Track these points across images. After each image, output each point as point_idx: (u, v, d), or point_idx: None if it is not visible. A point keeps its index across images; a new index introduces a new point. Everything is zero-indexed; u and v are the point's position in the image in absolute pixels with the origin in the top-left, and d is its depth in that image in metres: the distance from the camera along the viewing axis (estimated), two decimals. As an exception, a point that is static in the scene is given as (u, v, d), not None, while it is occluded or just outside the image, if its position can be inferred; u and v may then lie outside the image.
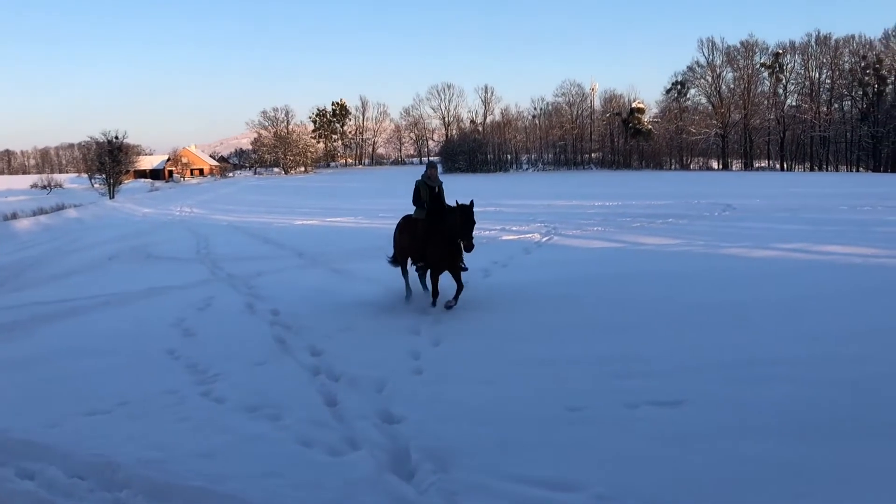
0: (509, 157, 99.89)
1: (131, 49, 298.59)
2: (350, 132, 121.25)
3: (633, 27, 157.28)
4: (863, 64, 76.81)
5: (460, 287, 9.04)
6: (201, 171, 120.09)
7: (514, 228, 19.17)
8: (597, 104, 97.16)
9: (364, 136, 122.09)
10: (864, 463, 4.11)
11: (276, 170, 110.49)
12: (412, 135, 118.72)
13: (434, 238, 8.86)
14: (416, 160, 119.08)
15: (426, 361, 6.68)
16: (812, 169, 79.61)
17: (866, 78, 76.38)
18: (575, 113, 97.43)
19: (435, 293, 9.06)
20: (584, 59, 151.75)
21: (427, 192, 9.31)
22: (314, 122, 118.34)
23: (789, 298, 8.75)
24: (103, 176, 71.42)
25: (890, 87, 75.55)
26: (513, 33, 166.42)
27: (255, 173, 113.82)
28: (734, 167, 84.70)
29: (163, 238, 22.92)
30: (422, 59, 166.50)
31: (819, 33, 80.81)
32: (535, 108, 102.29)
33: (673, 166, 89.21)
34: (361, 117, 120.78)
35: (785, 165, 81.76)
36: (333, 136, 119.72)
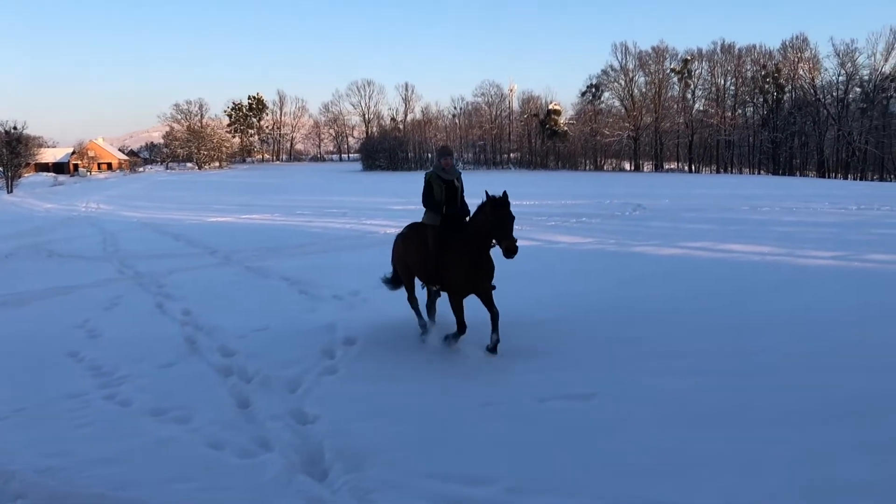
0: (429, 155, 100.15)
1: (31, 33, 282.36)
2: (267, 127, 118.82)
3: (550, 30, 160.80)
4: (763, 72, 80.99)
5: (495, 314, 6.69)
6: (109, 166, 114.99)
7: (432, 227, 19.23)
8: (515, 105, 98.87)
9: (282, 132, 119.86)
10: (764, 449, 4.34)
11: (189, 165, 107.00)
12: (331, 131, 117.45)
13: (455, 250, 6.71)
14: (335, 156, 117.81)
15: (341, 360, 6.63)
16: (718, 171, 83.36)
17: (766, 86, 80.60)
18: (494, 113, 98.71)
19: (462, 326, 6.77)
20: (502, 60, 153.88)
21: (442, 189, 7.02)
22: (229, 116, 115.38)
23: (693, 295, 9.15)
24: (0, 169, 67.41)
25: (787, 95, 79.95)
26: (433, 31, 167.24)
27: (166, 168, 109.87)
28: (645, 168, 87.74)
29: (66, 235, 21.86)
30: (341, 55, 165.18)
31: (724, 42, 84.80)
32: (455, 108, 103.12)
33: (588, 167, 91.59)
34: (279, 112, 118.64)
35: (693, 167, 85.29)
36: (250, 131, 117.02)
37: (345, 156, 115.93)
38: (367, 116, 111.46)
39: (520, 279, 10.65)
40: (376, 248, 14.93)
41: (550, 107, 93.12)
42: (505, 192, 6.58)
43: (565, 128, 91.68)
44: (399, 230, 8.02)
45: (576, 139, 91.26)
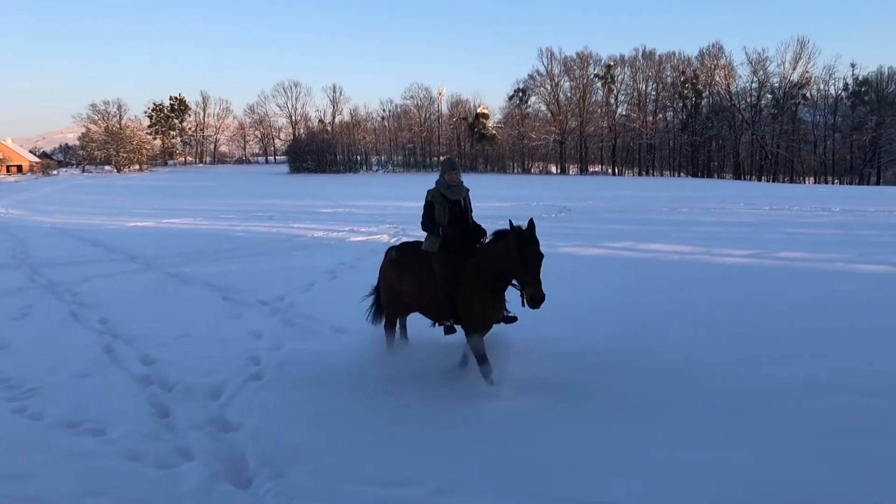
0: (359, 157, 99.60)
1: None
2: (190, 129, 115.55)
3: (478, 34, 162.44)
4: (682, 79, 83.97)
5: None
6: (19, 168, 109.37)
7: (362, 230, 19.14)
8: (444, 108, 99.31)
9: (205, 134, 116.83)
10: (688, 444, 4.51)
11: (107, 168, 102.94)
12: (257, 133, 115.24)
13: (472, 279, 5.74)
14: (261, 159, 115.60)
15: (266, 367, 6.51)
16: (640, 174, 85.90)
17: (685, 91, 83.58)
18: (423, 116, 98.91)
19: (487, 360, 5.71)
20: (431, 63, 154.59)
21: (446, 210, 6.04)
22: (150, 117, 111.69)
23: (617, 293, 9.41)
24: None
25: (705, 100, 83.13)
26: (361, 33, 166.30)
27: (83, 171, 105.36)
28: (571, 171, 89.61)
29: (-29, 241, 20.66)
30: (267, 56, 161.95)
31: (645, 48, 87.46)
32: (383, 110, 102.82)
33: (516, 170, 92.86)
34: (202, 113, 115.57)
35: (616, 170, 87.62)
36: (172, 133, 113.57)
37: (271, 158, 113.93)
38: (293, 118, 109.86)
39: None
40: (303, 252, 14.76)
41: (479, 110, 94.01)
42: (532, 223, 5.48)
43: (494, 131, 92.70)
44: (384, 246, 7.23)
45: (504, 142, 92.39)
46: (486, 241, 5.88)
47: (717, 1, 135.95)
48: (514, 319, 6.05)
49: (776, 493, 3.83)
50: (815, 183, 71.59)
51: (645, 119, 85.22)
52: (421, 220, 6.19)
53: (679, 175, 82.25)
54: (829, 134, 76.70)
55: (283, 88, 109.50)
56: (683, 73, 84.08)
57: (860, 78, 74.95)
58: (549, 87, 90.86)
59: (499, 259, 5.53)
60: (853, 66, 77.14)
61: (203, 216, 25.86)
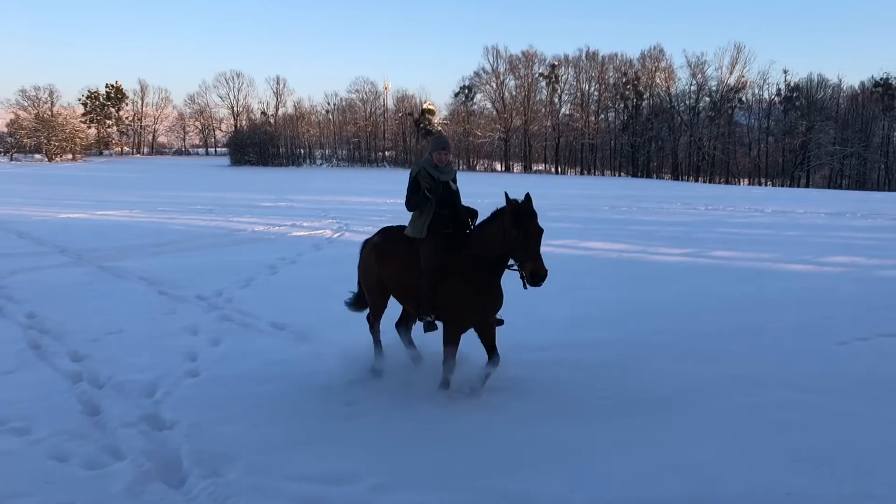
0: (302, 151, 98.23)
1: None
2: (127, 118, 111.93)
3: (424, 29, 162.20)
4: (624, 80, 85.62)
5: (495, 359, 5.51)
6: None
7: (305, 224, 18.91)
8: (390, 103, 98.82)
9: (143, 123, 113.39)
10: (626, 438, 4.62)
11: (37, 156, 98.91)
12: (198, 124, 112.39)
13: (458, 271, 5.29)
14: (201, 150, 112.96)
15: (204, 362, 6.38)
16: (582, 173, 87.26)
17: (627, 93, 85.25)
18: (368, 110, 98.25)
19: (453, 366, 5.43)
20: (377, 58, 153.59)
21: (433, 189, 5.50)
22: (85, 105, 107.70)
23: (554, 291, 9.53)
24: None
25: (645, 101, 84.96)
26: (306, 24, 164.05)
27: (11, 160, 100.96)
28: (515, 169, 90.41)
29: None
30: (208, 45, 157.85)
31: (588, 49, 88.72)
32: (328, 103, 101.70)
33: (461, 167, 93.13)
34: (140, 102, 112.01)
35: (559, 169, 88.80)
36: (108, 122, 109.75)
37: (212, 150, 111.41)
38: (235, 109, 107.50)
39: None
40: (243, 247, 14.50)
41: (425, 106, 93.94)
42: (528, 196, 5.10)
43: (439, 127, 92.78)
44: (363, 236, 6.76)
45: (449, 139, 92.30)
46: (480, 222, 5.42)
47: (659, 4, 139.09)
48: (500, 322, 5.63)
49: (713, 486, 3.94)
50: (749, 184, 74.04)
51: (587, 119, 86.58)
52: (405, 198, 5.63)
53: (620, 175, 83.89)
54: (762, 137, 79.39)
55: (225, 79, 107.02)
56: (625, 74, 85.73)
57: (792, 84, 77.87)
58: (494, 85, 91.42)
59: (495, 239, 5.13)
60: (785, 72, 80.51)
61: (139, 208, 25.09)
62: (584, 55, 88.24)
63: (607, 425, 4.81)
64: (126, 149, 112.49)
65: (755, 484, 3.97)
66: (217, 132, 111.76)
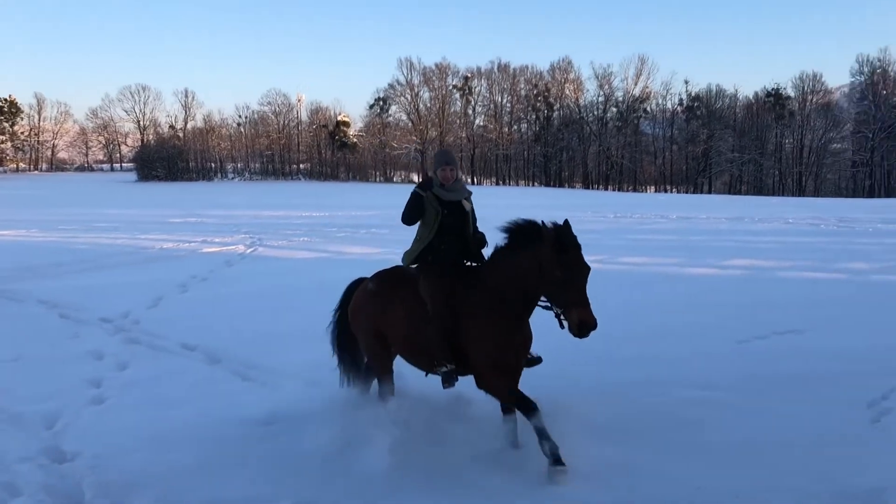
0: (213, 165, 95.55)
1: None
2: (23, 133, 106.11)
3: (337, 41, 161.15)
4: (535, 91, 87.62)
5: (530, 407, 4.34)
6: None
7: (216, 240, 18.40)
8: (304, 115, 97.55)
9: (41, 139, 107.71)
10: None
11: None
12: (101, 138, 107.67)
13: (476, 313, 4.45)
14: (106, 166, 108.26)
15: (109, 389, 6.10)
16: (497, 183, 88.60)
17: (538, 104, 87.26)
18: (282, 122, 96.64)
19: (528, 401, 4.33)
20: (289, 70, 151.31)
21: (436, 215, 4.74)
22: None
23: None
24: None
25: (556, 112, 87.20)
26: (213, 36, 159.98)
27: None
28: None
29: None
30: (111, 57, 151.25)
31: (501, 61, 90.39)
32: (240, 116, 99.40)
33: (378, 179, 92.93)
34: (37, 117, 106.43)
35: (475, 179, 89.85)
36: (1, 137, 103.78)
37: (117, 165, 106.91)
38: (142, 123, 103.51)
39: (307, 294, 10.54)
40: (151, 265, 13.99)
41: (339, 118, 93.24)
42: (567, 223, 4.23)
43: (355, 139, 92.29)
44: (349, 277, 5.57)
45: (365, 151, 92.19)
46: (499, 248, 4.55)
47: (567, 17, 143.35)
48: (538, 361, 4.83)
49: (631, 486, 4.05)
50: (655, 192, 77.07)
51: (501, 130, 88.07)
52: (402, 216, 4.86)
53: (533, 185, 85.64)
54: (667, 146, 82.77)
55: (130, 92, 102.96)
56: (536, 86, 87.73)
57: (693, 94, 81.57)
58: (409, 97, 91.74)
59: (526, 277, 4.28)
60: (686, 83, 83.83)
61: (38, 227, 23.78)
62: (496, 67, 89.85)
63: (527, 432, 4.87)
64: (23, 165, 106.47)
65: (671, 481, 4.10)
66: (123, 147, 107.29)
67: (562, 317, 4.22)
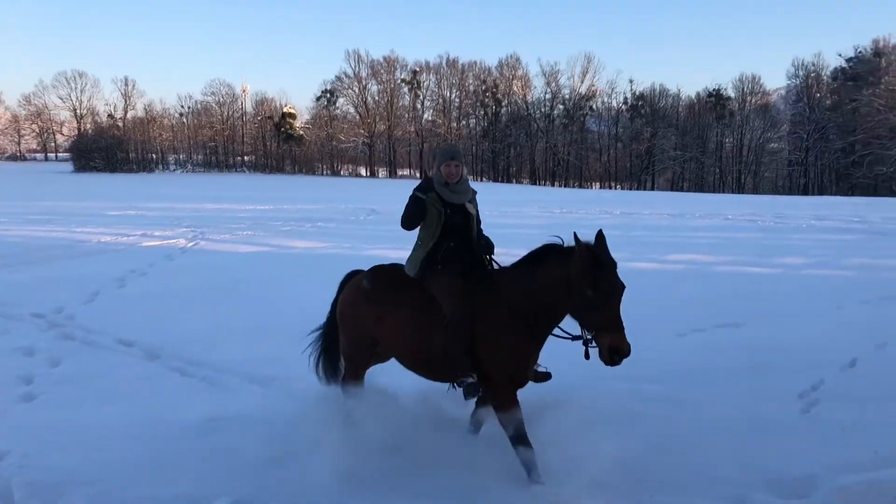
0: (154, 156, 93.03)
1: None
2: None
3: (283, 31, 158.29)
4: (483, 87, 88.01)
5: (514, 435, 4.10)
6: None
7: (156, 234, 17.91)
8: (248, 107, 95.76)
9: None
10: (479, 441, 4.67)
11: None
12: (35, 127, 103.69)
13: (495, 324, 4.10)
14: (39, 156, 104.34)
15: (40, 385, 5.88)
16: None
17: (486, 100, 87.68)
18: (226, 113, 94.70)
19: (529, 451, 4.03)
20: (233, 60, 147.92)
21: (439, 217, 4.38)
22: None
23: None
24: None
25: (504, 109, 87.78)
26: (155, 22, 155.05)
27: None
28: (380, 174, 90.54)
29: None
30: (45, 41, 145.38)
31: (449, 56, 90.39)
32: (182, 106, 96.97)
33: (325, 172, 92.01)
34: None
35: (424, 174, 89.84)
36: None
37: (52, 155, 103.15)
38: (78, 112, 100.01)
39: (251, 289, 10.37)
40: (87, 259, 13.53)
41: (285, 110, 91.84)
42: (602, 235, 3.86)
43: (301, 132, 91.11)
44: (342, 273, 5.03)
45: (312, 144, 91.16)
46: (522, 258, 4.18)
47: (515, 13, 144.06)
48: (547, 377, 4.51)
49: (562, 480, 4.05)
50: (600, 188, 78.40)
51: (449, 125, 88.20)
52: (401, 219, 4.47)
53: (482, 180, 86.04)
54: (612, 143, 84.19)
55: (66, 79, 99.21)
56: (484, 81, 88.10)
57: (637, 93, 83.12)
58: (356, 90, 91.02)
59: (549, 287, 3.93)
60: (631, 81, 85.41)
61: (-35, 219, 22.79)
62: (444, 62, 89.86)
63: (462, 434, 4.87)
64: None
65: (613, 473, 4.12)
66: (58, 136, 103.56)
67: (589, 341, 3.83)
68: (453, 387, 4.31)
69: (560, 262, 3.91)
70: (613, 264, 3.79)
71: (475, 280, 4.27)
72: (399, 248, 15.24)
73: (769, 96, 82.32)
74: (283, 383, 5.80)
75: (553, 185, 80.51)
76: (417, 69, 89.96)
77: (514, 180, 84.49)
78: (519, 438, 4.01)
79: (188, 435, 4.79)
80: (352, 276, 4.86)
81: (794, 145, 76.30)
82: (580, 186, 79.30)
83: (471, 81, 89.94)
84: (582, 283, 3.73)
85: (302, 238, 16.94)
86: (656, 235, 18.03)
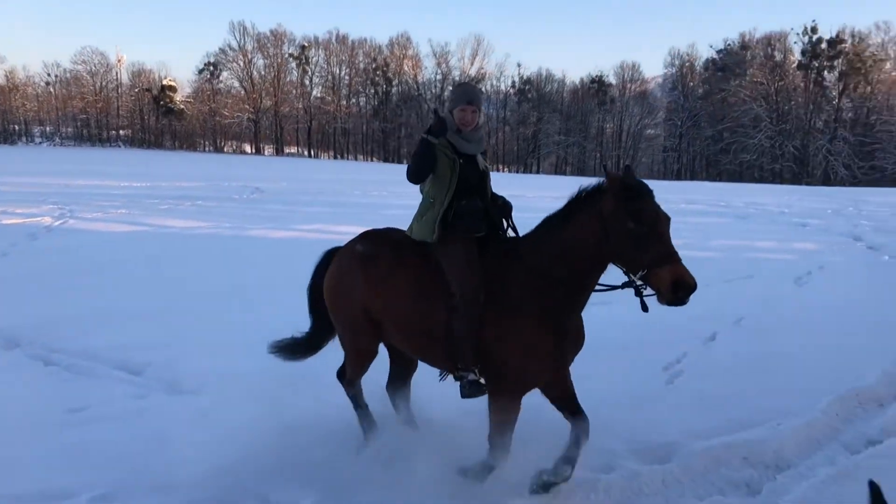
0: (17, 127, 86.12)
1: None
2: None
3: (164, 0, 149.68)
4: (374, 65, 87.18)
5: (582, 422, 3.68)
6: None
7: (18, 211, 16.62)
8: (125, 78, 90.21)
9: None
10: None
11: None
12: None
13: (514, 295, 3.52)
14: None
15: None
16: (336, 157, 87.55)
17: (377, 78, 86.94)
18: (99, 84, 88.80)
19: (507, 447, 3.64)
20: (106, 26, 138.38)
21: (452, 168, 3.70)
22: None
23: (306, 274, 9.47)
24: None
25: (395, 88, 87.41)
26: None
27: None
28: (266, 152, 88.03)
29: None
30: None
31: (339, 32, 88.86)
32: (49, 75, 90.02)
33: (207, 148, 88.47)
34: None
35: (312, 153, 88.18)
36: None
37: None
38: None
39: (122, 270, 9.86)
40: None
41: (165, 82, 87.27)
42: (630, 169, 3.36)
43: (182, 106, 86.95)
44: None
45: (194, 118, 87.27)
46: (544, 221, 3.67)
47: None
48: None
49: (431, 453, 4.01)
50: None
51: (339, 103, 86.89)
52: (407, 167, 3.75)
53: (372, 160, 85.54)
54: (500, 126, 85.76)
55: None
56: (375, 60, 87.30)
57: (525, 77, 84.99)
58: (241, 64, 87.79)
59: (580, 242, 3.39)
60: (519, 65, 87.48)
61: None
62: (334, 38, 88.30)
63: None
64: None
65: (481, 447, 4.22)
66: None
67: (640, 285, 3.28)
68: (449, 376, 3.77)
69: (589, 204, 3.38)
70: (650, 192, 3.27)
71: (493, 249, 3.70)
72: (283, 227, 15.01)
73: (647, 84, 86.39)
74: (158, 370, 5.58)
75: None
76: (306, 44, 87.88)
77: (404, 161, 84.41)
78: (498, 445, 3.57)
79: (49, 426, 4.51)
80: (331, 256, 4.30)
81: (669, 132, 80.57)
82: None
83: (361, 59, 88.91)
84: (620, 217, 3.21)
85: (180, 217, 16.23)
86: (538, 217, 18.53)
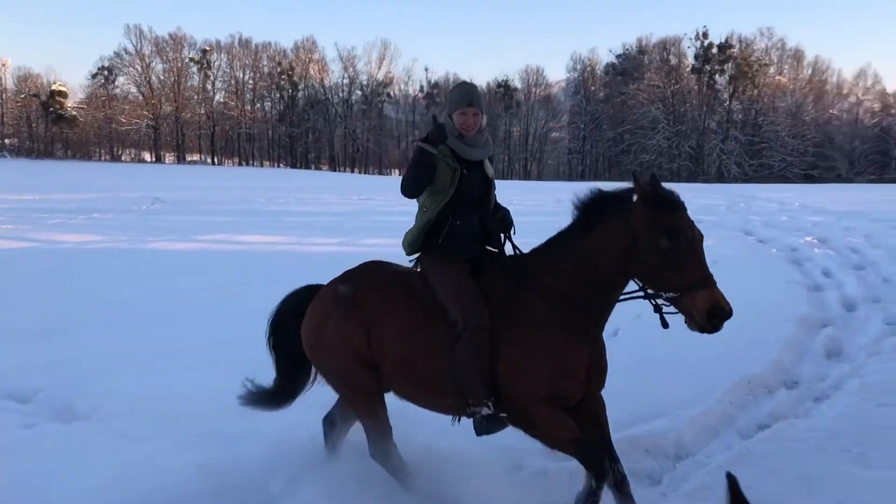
0: None
1: None
2: None
3: (51, 1, 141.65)
4: (279, 69, 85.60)
5: (621, 477, 3.20)
6: None
7: None
8: (10, 83, 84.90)
9: None
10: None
11: None
12: None
13: (530, 322, 3.17)
14: None
15: None
16: (240, 164, 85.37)
17: (282, 82, 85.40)
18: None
19: (597, 461, 3.15)
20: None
21: (453, 177, 3.33)
22: None
23: (212, 287, 9.18)
24: None
25: (301, 92, 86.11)
26: None
27: None
28: (167, 160, 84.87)
29: None
30: None
31: (241, 36, 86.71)
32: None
33: (103, 157, 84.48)
34: None
35: (216, 160, 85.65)
36: None
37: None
38: None
39: (14, 285, 9.28)
40: None
41: (55, 87, 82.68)
42: (656, 177, 3.06)
43: (74, 112, 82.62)
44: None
45: (88, 126, 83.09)
46: (565, 231, 3.32)
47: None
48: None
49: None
50: (399, 175, 79.73)
51: (243, 108, 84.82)
52: (401, 183, 3.44)
53: (279, 165, 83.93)
54: (410, 131, 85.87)
55: None
56: (280, 64, 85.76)
57: (433, 81, 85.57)
58: (139, 68, 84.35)
59: (604, 255, 3.07)
60: (427, 70, 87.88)
61: None
62: (237, 42, 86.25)
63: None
64: None
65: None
66: None
67: (666, 307, 3.06)
68: (458, 421, 3.41)
69: (614, 214, 3.04)
70: (684, 206, 2.98)
71: (494, 267, 3.39)
72: (185, 239, 14.54)
73: (551, 88, 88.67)
74: (49, 397, 5.24)
75: (353, 171, 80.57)
76: (207, 48, 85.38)
77: (312, 166, 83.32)
78: (596, 467, 3.11)
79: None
80: (303, 295, 3.75)
81: (573, 134, 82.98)
82: (380, 173, 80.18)
83: (265, 63, 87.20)
84: (654, 233, 2.89)
85: (73, 231, 15.39)
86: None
